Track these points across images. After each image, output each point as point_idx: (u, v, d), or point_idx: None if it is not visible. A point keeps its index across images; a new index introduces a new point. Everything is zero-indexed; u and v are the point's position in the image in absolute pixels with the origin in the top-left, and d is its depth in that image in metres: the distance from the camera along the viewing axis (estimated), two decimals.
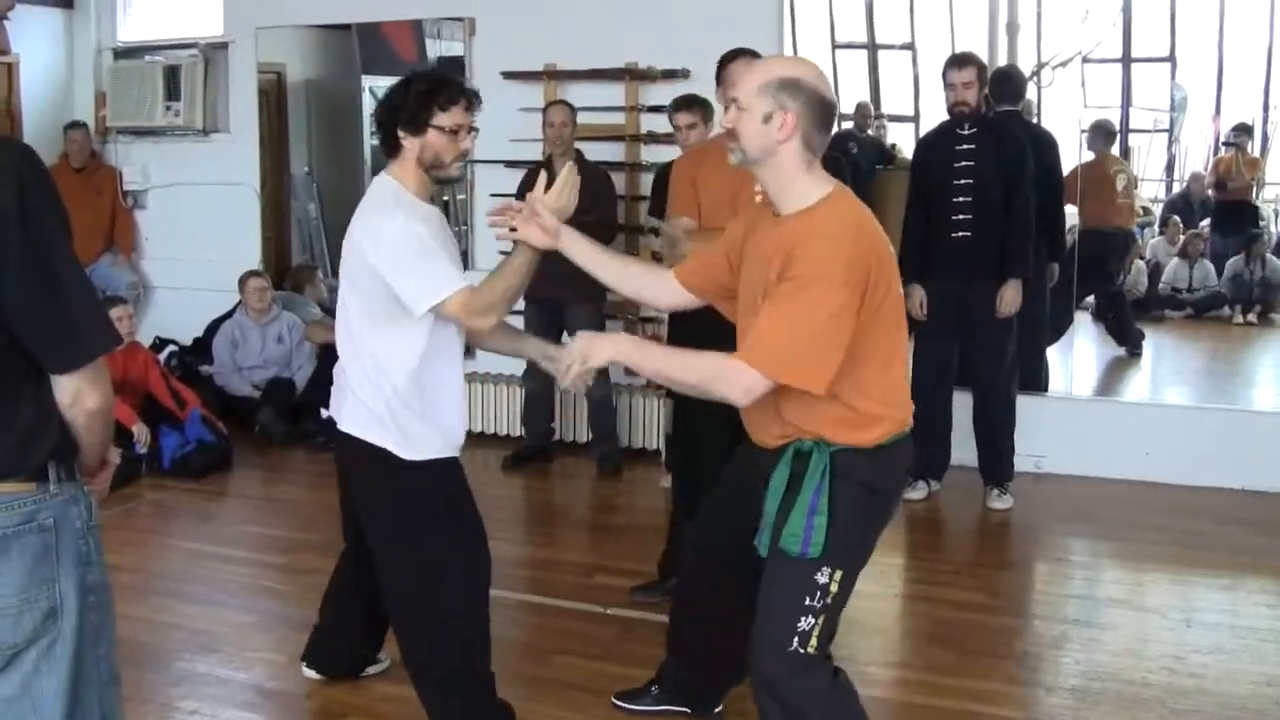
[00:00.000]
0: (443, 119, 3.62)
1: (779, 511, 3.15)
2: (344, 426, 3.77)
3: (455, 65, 8.39)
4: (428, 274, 3.50)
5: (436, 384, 3.69)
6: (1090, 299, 8.78)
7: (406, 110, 3.63)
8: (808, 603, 3.11)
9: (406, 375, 3.63)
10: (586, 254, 3.54)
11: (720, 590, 3.72)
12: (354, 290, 3.68)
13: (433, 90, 3.63)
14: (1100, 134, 8.34)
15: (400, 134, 3.65)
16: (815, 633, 3.13)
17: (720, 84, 4.87)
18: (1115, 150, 8.70)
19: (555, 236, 3.49)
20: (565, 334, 7.15)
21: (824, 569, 3.11)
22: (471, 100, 3.71)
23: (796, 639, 3.13)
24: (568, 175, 3.56)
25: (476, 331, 3.67)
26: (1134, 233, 9.29)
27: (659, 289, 3.63)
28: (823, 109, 3.08)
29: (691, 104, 5.66)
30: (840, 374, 3.02)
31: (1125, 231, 8.94)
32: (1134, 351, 8.91)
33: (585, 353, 3.19)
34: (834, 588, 3.12)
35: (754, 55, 4.80)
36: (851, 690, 3.37)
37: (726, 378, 3.04)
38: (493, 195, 7.39)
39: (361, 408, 3.69)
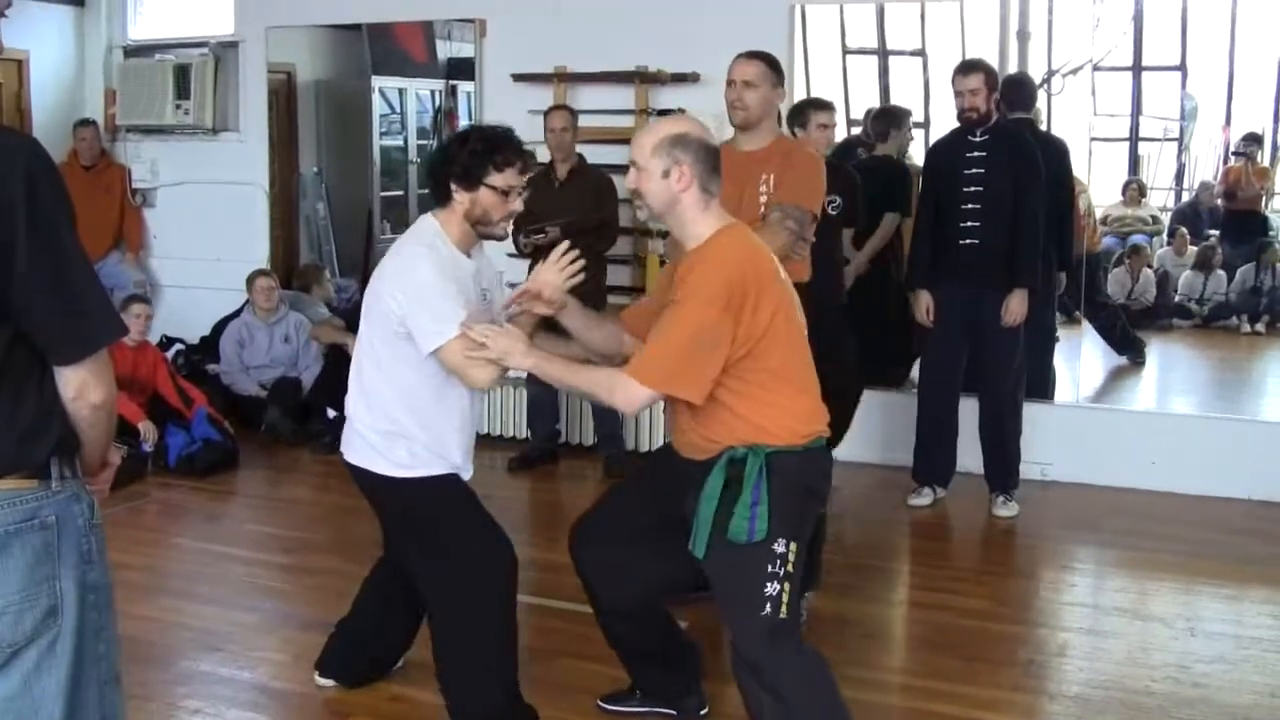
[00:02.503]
0: (497, 179, 3.65)
1: (717, 513, 3.34)
2: (350, 458, 3.87)
3: (466, 66, 8.41)
4: (442, 316, 3.54)
5: (440, 420, 3.76)
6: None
7: (461, 164, 3.64)
8: (771, 569, 3.31)
9: (409, 409, 3.72)
10: (579, 322, 3.79)
11: (631, 583, 3.87)
12: (369, 320, 3.75)
13: (490, 149, 3.65)
14: None
15: (452, 186, 3.67)
16: (784, 598, 3.32)
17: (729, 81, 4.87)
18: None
19: (561, 308, 3.74)
20: None
21: (779, 540, 3.32)
22: (527, 162, 3.75)
23: (769, 604, 3.31)
24: (560, 254, 3.68)
25: (470, 384, 3.68)
26: (1102, 254, 9.26)
27: (618, 339, 3.82)
28: (710, 156, 3.38)
29: (828, 105, 5.77)
30: (750, 387, 3.33)
31: (1095, 254, 8.92)
32: (1136, 360, 8.89)
33: (505, 354, 3.51)
34: (791, 555, 3.33)
35: (764, 59, 4.80)
36: (822, 659, 3.51)
37: (614, 390, 3.35)
38: None
39: (362, 440, 3.81)
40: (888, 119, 7.85)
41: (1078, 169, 7.55)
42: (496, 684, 3.83)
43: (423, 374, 3.69)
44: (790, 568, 3.33)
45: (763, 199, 4.65)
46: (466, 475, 3.90)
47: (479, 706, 3.83)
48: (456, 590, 3.80)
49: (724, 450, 3.37)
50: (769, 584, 3.30)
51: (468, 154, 3.65)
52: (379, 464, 3.78)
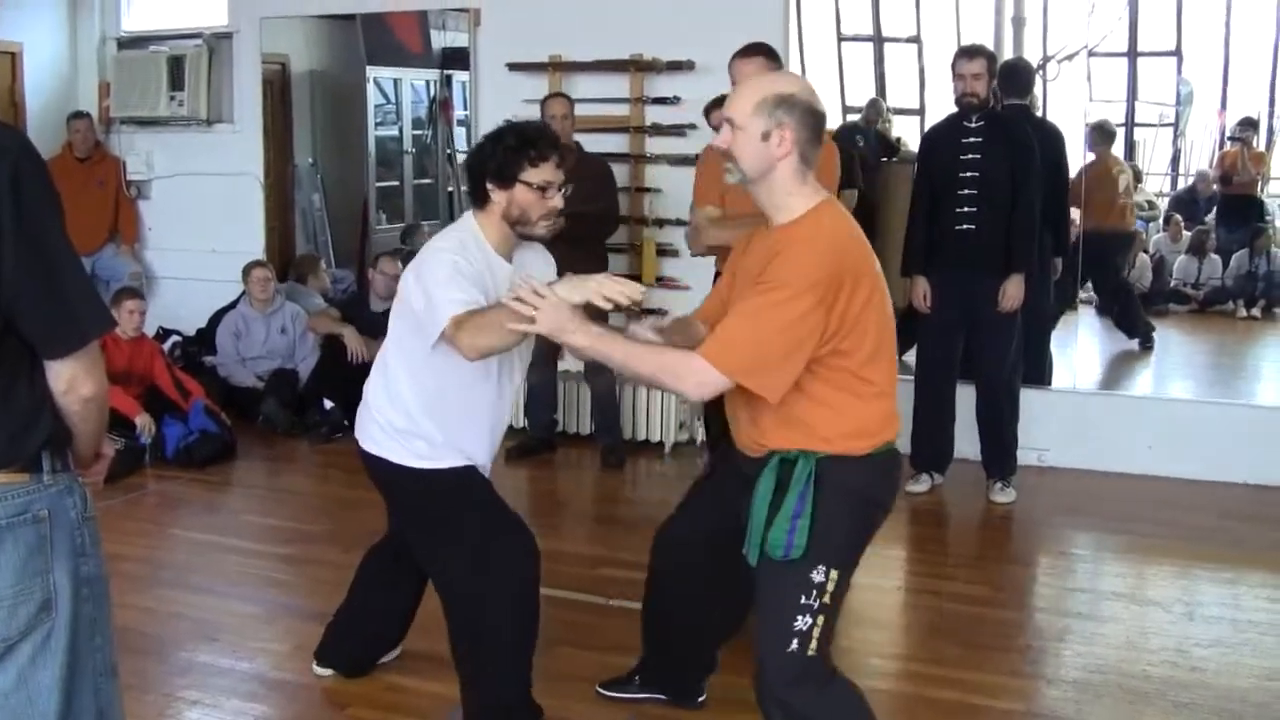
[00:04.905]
0: (532, 174, 3.57)
1: (766, 520, 3.10)
2: (365, 446, 3.83)
3: (460, 56, 8.39)
4: (443, 301, 3.42)
5: (460, 412, 3.73)
6: (1092, 294, 8.76)
7: (496, 161, 3.58)
8: (804, 601, 3.07)
9: (431, 414, 3.69)
10: (651, 332, 3.39)
11: (689, 584, 3.78)
12: (398, 316, 3.72)
13: (524, 145, 3.58)
14: (1100, 134, 8.27)
15: (488, 186, 3.61)
16: (815, 634, 3.09)
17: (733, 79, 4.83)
18: (1116, 149, 8.67)
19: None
20: None
21: (819, 567, 3.07)
22: (564, 156, 3.67)
23: (796, 640, 3.08)
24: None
25: (462, 351, 3.41)
26: (1135, 231, 9.29)
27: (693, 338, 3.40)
28: (816, 121, 3.08)
29: None
30: (818, 385, 3.05)
31: (1127, 232, 8.95)
32: (1145, 344, 8.87)
33: (557, 330, 3.14)
34: (830, 586, 3.08)
35: (760, 52, 4.77)
36: (854, 690, 3.32)
37: (681, 371, 3.04)
38: None
39: (379, 429, 3.77)
40: None
41: (1073, 156, 7.55)
42: (513, 674, 3.81)
43: (450, 380, 3.64)
44: (827, 599, 3.08)
45: None
46: (485, 472, 3.87)
47: (494, 697, 3.81)
48: (471, 582, 3.75)
49: (773, 452, 3.15)
50: (800, 617, 3.07)
51: (502, 151, 3.58)
52: (396, 453, 3.73)
